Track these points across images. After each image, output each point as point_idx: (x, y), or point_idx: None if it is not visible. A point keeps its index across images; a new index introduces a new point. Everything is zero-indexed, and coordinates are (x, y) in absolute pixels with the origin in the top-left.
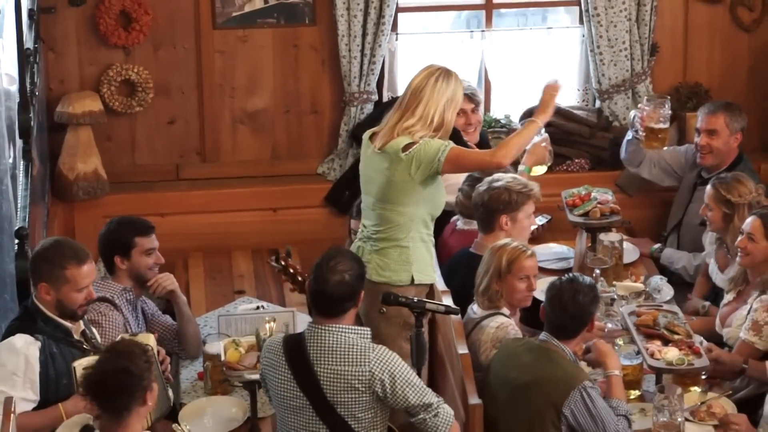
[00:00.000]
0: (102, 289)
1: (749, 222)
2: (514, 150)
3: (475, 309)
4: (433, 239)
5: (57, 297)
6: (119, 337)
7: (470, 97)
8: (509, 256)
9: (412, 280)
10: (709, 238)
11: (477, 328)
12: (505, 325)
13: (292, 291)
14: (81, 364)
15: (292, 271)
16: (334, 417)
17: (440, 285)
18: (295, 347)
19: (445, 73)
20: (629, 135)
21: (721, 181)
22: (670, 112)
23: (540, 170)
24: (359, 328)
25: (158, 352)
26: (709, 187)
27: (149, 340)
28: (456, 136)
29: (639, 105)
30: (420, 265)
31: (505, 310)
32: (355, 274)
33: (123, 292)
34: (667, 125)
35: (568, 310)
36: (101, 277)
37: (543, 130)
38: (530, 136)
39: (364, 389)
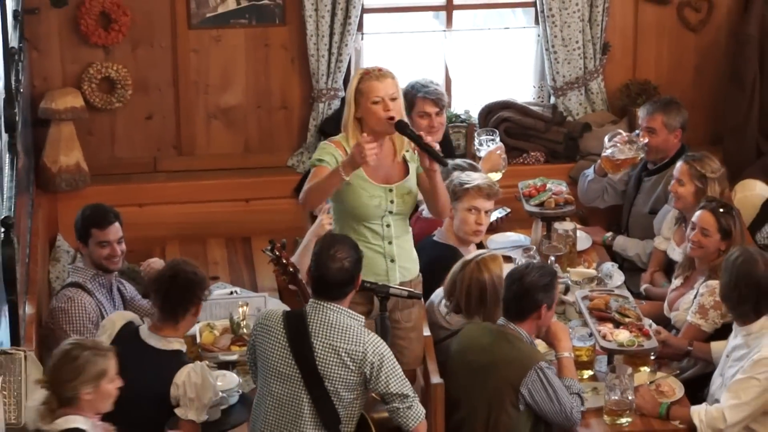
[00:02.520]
0: (75, 273)
1: (700, 215)
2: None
3: (448, 319)
4: (377, 246)
5: None
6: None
7: (435, 101)
8: (498, 267)
9: None
10: (666, 222)
11: (451, 340)
12: None
13: (282, 281)
14: None
15: (284, 261)
16: (320, 389)
17: None
18: (295, 319)
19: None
20: (590, 174)
21: (693, 158)
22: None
23: (495, 177)
24: (355, 313)
25: None
26: (681, 163)
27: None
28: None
29: (619, 133)
30: None
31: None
32: (353, 259)
33: (95, 276)
34: (635, 155)
35: (512, 288)
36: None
37: (498, 139)
38: (327, 183)
39: (354, 368)
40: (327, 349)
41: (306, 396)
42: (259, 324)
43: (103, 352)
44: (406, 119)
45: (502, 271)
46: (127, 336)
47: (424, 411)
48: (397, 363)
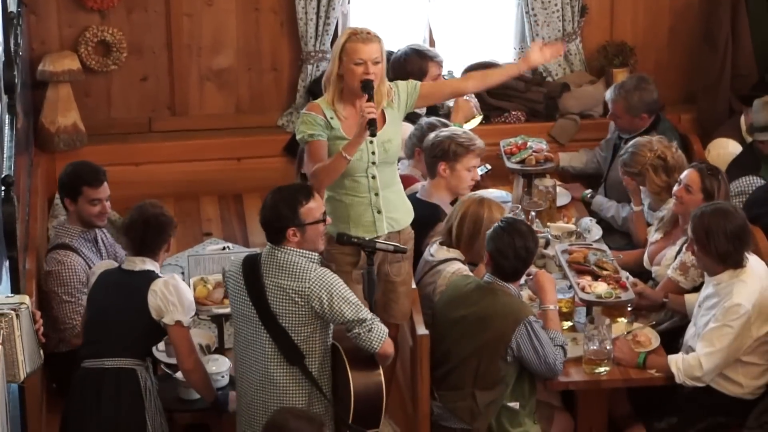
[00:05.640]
0: (62, 233)
1: (687, 174)
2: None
3: (432, 252)
4: (364, 198)
5: None
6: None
7: (441, 64)
8: (499, 213)
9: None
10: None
11: (434, 270)
12: (461, 271)
13: None
14: None
15: None
16: (276, 326)
17: None
18: (251, 262)
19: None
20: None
21: (624, 162)
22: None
23: (473, 123)
24: (308, 252)
25: (34, 314)
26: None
27: (25, 300)
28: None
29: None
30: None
31: (462, 258)
32: (273, 207)
33: (81, 233)
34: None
35: (521, 257)
36: (63, 220)
37: None
38: (333, 167)
39: (303, 303)
40: (276, 289)
41: (265, 334)
42: (228, 270)
43: None
44: (382, 82)
45: (497, 220)
46: (109, 271)
47: (387, 330)
48: (348, 290)
